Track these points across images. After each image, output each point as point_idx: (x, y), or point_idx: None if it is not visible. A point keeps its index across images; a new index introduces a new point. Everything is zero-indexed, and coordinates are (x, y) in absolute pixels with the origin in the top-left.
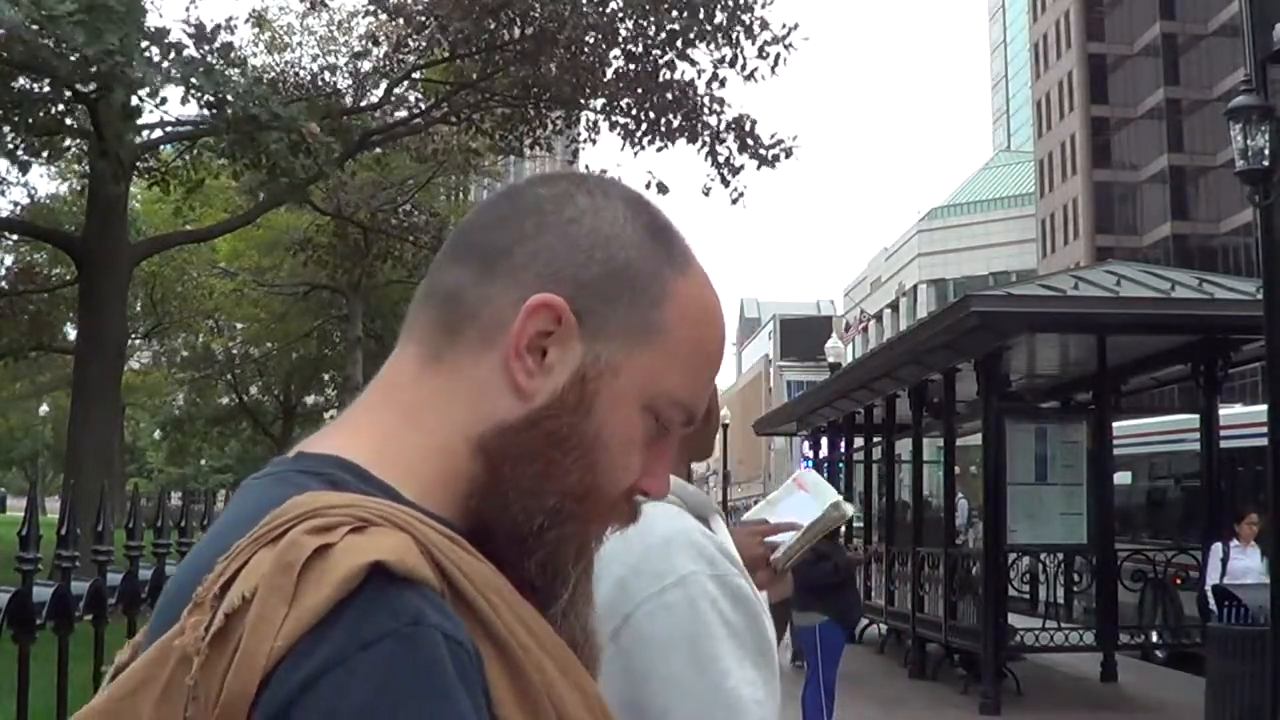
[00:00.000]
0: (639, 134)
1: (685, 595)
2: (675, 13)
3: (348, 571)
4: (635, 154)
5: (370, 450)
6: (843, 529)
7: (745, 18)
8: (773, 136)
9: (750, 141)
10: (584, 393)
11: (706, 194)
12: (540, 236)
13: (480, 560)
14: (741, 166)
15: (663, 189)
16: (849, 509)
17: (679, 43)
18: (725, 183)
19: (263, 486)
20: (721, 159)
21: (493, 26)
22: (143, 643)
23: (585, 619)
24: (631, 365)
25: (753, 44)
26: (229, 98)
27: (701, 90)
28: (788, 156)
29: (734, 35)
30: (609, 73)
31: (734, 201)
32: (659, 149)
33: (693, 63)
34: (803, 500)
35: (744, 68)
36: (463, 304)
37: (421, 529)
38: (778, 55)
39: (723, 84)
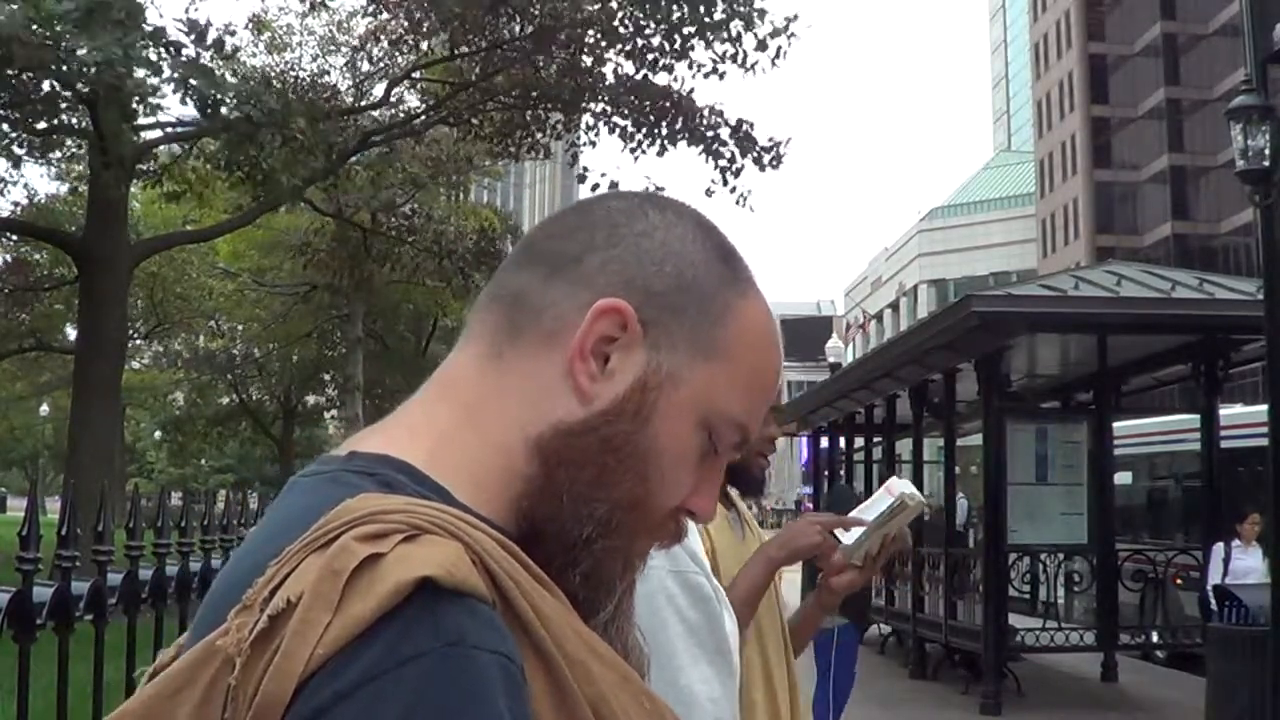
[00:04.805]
0: (639, 136)
1: (643, 590)
2: (674, 6)
3: (396, 584)
4: (635, 159)
5: (425, 449)
6: None
7: (744, 10)
8: (770, 140)
9: (747, 144)
10: (643, 401)
11: (709, 195)
12: (611, 246)
13: (533, 568)
14: (743, 168)
15: (658, 189)
16: (919, 500)
17: (678, 40)
18: (726, 183)
19: (314, 486)
20: (725, 160)
21: (492, 24)
22: (185, 644)
23: (627, 635)
24: (692, 379)
25: (754, 37)
26: (225, 99)
27: (700, 103)
28: (777, 164)
29: (734, 29)
30: (608, 75)
31: (739, 203)
32: (659, 152)
33: (691, 62)
34: (883, 501)
35: (743, 61)
36: (528, 305)
37: (475, 535)
38: (779, 48)
39: (721, 77)
